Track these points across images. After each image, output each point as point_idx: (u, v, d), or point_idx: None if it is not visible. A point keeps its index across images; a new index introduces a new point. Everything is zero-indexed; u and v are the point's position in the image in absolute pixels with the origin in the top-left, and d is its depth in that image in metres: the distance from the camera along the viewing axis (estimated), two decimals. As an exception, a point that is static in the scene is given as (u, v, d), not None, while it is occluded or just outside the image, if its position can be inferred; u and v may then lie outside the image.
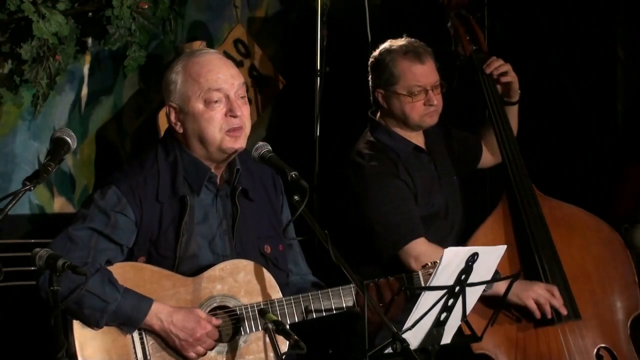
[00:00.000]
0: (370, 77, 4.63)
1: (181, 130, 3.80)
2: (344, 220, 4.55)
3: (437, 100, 4.53)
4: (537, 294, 4.36)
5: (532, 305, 4.36)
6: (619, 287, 4.52)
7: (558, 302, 4.37)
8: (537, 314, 4.36)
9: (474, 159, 4.88)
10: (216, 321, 3.73)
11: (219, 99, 3.75)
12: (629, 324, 4.49)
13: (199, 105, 3.75)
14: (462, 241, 4.52)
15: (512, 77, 4.73)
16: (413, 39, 4.61)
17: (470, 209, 4.73)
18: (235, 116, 3.75)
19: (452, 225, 4.61)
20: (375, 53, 4.62)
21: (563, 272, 4.45)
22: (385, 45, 4.61)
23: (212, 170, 3.84)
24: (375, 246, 4.45)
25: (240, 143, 3.79)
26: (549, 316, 4.37)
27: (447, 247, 4.34)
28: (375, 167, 4.48)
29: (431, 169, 4.62)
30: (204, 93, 3.75)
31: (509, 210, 4.53)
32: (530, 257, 4.44)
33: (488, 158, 4.90)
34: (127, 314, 3.65)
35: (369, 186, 4.45)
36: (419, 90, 4.50)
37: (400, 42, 4.59)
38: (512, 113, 4.80)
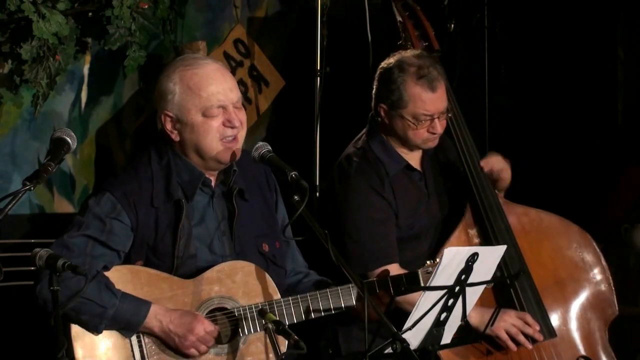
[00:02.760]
0: (375, 86, 4.47)
1: (177, 139, 3.81)
2: (325, 222, 4.43)
3: (441, 127, 4.38)
4: (508, 325, 4.25)
5: (504, 336, 4.24)
6: (593, 291, 4.44)
7: (532, 330, 4.27)
8: (511, 346, 4.25)
9: None
10: (214, 328, 3.73)
11: (217, 112, 3.77)
12: (607, 328, 4.42)
13: (198, 118, 3.77)
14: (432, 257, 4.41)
15: (509, 173, 4.54)
16: (426, 56, 4.43)
17: (448, 226, 4.59)
18: (233, 127, 3.77)
19: (430, 243, 4.48)
20: (387, 65, 4.43)
21: (534, 286, 4.35)
22: (398, 59, 4.41)
23: (207, 175, 3.85)
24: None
25: (236, 155, 3.81)
26: (528, 346, 4.26)
27: (420, 265, 4.32)
28: (360, 180, 4.37)
29: (421, 187, 4.50)
30: (203, 106, 3.76)
31: (473, 222, 4.42)
32: (500, 272, 4.23)
33: None
34: (126, 319, 3.66)
35: (350, 197, 4.35)
36: (426, 118, 4.35)
37: (414, 60, 4.38)
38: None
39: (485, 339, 4.25)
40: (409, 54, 4.44)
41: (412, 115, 4.36)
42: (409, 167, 4.48)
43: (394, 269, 4.25)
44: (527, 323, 4.28)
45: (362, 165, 4.42)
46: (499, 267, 4.26)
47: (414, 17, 4.65)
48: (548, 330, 4.34)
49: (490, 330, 4.19)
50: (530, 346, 4.28)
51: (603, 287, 4.45)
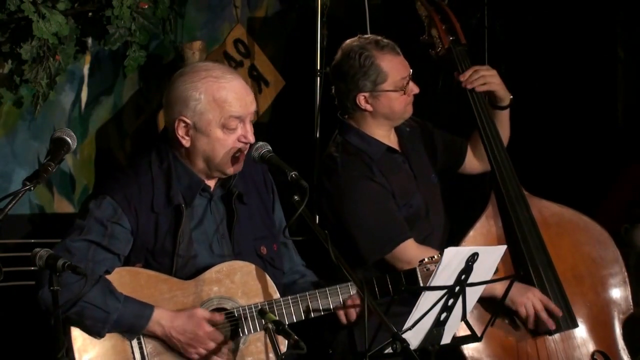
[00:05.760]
0: (342, 83, 4.44)
1: (188, 145, 3.81)
2: (322, 226, 4.32)
3: (416, 87, 4.42)
4: (529, 303, 4.25)
5: (523, 312, 4.25)
6: (610, 287, 4.44)
7: (546, 316, 4.26)
8: (530, 322, 4.26)
9: (455, 162, 4.73)
10: (219, 317, 3.73)
11: (236, 126, 3.78)
12: (622, 324, 4.43)
13: (217, 131, 3.78)
14: (446, 242, 4.41)
15: (490, 86, 4.48)
16: (370, 35, 4.48)
17: (451, 207, 4.60)
18: (247, 142, 3.79)
19: (433, 226, 4.47)
20: (342, 57, 4.43)
21: (557, 278, 4.35)
22: (349, 47, 4.42)
23: (206, 182, 3.86)
24: (357, 251, 4.29)
25: (241, 165, 3.83)
26: (530, 325, 4.27)
27: (430, 247, 4.32)
28: (349, 171, 4.36)
29: (406, 169, 4.49)
30: (225, 119, 3.77)
31: (498, 212, 4.41)
32: (523, 263, 4.33)
33: (473, 164, 4.73)
34: (129, 323, 3.66)
35: (345, 190, 4.33)
36: (404, 82, 4.38)
37: (364, 40, 4.42)
38: (501, 118, 4.58)
39: (504, 323, 4.28)
40: (349, 41, 4.46)
41: (394, 85, 4.38)
42: (390, 149, 4.48)
43: (411, 245, 4.28)
44: (548, 307, 4.27)
45: (345, 158, 4.41)
46: (522, 259, 4.32)
47: (440, 11, 4.63)
48: (572, 320, 4.34)
49: (512, 303, 4.22)
50: (531, 326, 4.27)
51: (620, 284, 4.46)
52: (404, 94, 4.39)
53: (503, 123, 4.60)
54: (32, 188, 3.38)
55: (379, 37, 4.44)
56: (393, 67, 4.38)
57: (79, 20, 5.00)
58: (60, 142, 3.49)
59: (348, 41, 4.48)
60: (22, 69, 4.85)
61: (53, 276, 3.34)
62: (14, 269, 4.42)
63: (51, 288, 3.34)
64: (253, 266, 3.81)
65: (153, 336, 3.71)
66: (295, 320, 3.79)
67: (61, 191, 5.28)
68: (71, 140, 3.50)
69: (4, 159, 5.06)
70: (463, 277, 3.56)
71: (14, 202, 3.33)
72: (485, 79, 4.48)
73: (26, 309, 4.68)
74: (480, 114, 4.51)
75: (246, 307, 3.76)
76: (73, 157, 5.29)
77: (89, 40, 5.20)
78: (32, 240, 4.81)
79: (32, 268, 3.46)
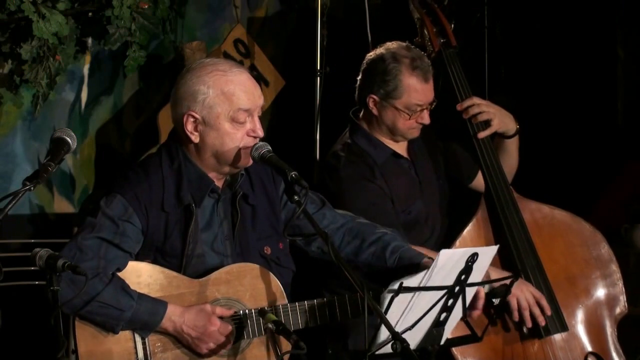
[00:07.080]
0: (364, 77, 4.49)
1: (197, 141, 3.80)
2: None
3: (428, 118, 4.44)
4: (522, 296, 4.20)
5: (513, 304, 4.19)
6: (604, 289, 4.43)
7: (538, 311, 4.22)
8: (515, 315, 4.21)
9: (462, 177, 4.74)
10: (226, 312, 3.74)
11: (245, 119, 3.78)
12: (616, 326, 4.42)
13: (226, 123, 3.77)
14: (440, 245, 4.39)
15: (493, 128, 4.48)
16: (414, 47, 4.47)
17: (451, 212, 4.62)
18: (256, 137, 3.79)
19: (432, 230, 4.49)
20: (377, 56, 4.47)
21: (547, 282, 4.34)
22: (389, 50, 4.45)
23: (215, 183, 3.86)
24: None
25: (250, 160, 3.83)
26: (528, 324, 4.23)
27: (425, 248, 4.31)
28: (350, 171, 4.39)
29: (411, 174, 4.52)
30: (234, 112, 3.76)
31: (488, 216, 4.41)
32: (513, 266, 4.32)
33: (481, 185, 4.67)
34: (144, 320, 3.67)
35: (344, 189, 4.35)
36: (417, 109, 4.40)
37: (406, 51, 4.43)
38: (505, 147, 4.59)
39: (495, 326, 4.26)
40: (396, 45, 4.47)
41: (405, 105, 4.40)
42: (395, 154, 4.50)
43: None
44: (540, 303, 4.23)
45: (350, 157, 4.44)
46: (512, 262, 4.31)
47: (432, 13, 4.64)
48: (561, 325, 4.33)
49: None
50: (530, 324, 4.25)
51: (613, 285, 4.44)
52: (409, 118, 4.41)
53: (509, 151, 4.61)
54: (32, 188, 3.38)
55: (421, 55, 4.43)
56: (414, 90, 4.39)
57: (79, 20, 5.01)
58: (60, 142, 3.49)
59: (391, 43, 4.48)
60: (22, 69, 4.85)
61: (53, 276, 3.35)
62: (14, 269, 4.42)
63: (51, 288, 3.35)
64: (263, 269, 3.81)
65: (161, 332, 3.71)
66: (301, 327, 3.76)
67: (61, 191, 5.28)
68: (71, 140, 3.50)
69: (4, 159, 5.06)
70: (463, 277, 3.56)
71: (14, 202, 3.34)
72: (489, 115, 4.47)
73: (26, 309, 4.69)
74: (472, 121, 4.51)
75: (252, 310, 3.76)
76: (73, 157, 5.30)
77: (89, 40, 5.20)
78: (32, 240, 4.81)
79: (32, 268, 3.46)
